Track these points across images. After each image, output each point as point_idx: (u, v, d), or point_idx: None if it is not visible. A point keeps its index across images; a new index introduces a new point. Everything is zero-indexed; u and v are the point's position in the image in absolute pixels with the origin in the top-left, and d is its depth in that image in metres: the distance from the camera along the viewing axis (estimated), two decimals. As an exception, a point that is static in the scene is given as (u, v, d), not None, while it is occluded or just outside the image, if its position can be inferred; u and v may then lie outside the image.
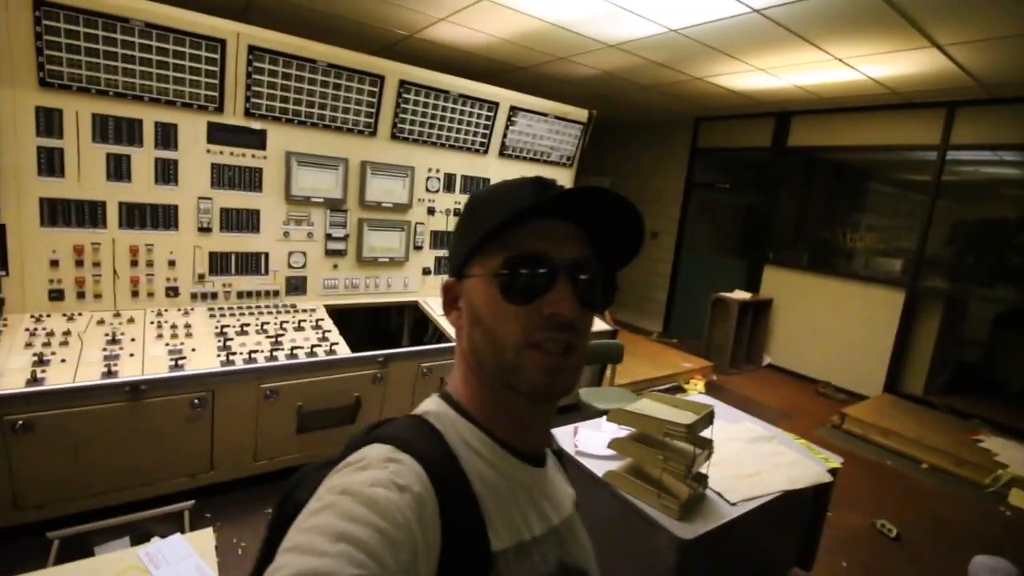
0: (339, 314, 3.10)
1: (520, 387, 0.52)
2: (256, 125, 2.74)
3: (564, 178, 4.15)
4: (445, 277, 0.61)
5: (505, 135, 3.67)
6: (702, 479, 1.70)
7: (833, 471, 2.02)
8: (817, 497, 2.10)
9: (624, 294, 7.14)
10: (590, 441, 1.95)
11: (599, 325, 3.73)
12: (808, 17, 2.95)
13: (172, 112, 2.50)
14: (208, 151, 2.63)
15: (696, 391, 4.45)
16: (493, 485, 0.52)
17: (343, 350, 2.68)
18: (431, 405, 0.57)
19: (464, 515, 0.47)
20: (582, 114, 3.98)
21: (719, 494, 1.71)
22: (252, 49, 2.56)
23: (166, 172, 2.54)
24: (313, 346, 2.61)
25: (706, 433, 1.72)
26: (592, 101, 5.56)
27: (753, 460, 1.97)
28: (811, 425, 4.08)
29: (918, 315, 4.63)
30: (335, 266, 3.17)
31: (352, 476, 0.44)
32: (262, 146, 2.79)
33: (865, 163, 5.33)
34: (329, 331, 2.82)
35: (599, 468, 1.77)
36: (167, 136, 2.51)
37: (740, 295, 5.19)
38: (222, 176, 2.70)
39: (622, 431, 1.87)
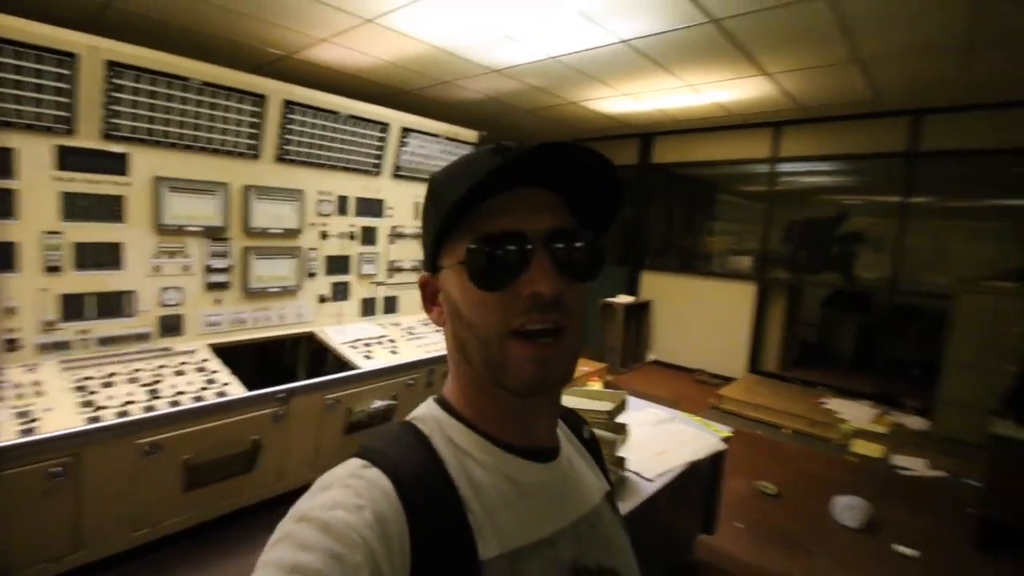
0: (225, 353, 2.84)
1: (509, 384, 0.47)
2: (116, 148, 2.45)
3: (457, 197, 4.22)
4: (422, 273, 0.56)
5: (398, 156, 3.65)
6: (621, 462, 1.84)
7: (726, 439, 2.30)
8: (714, 467, 2.35)
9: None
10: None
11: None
12: (666, 49, 3.36)
13: (8, 135, 2.14)
14: (57, 178, 2.29)
15: (596, 391, 4.72)
16: (485, 488, 0.48)
17: (236, 390, 2.45)
18: (421, 409, 0.55)
19: (444, 525, 0.44)
20: (472, 135, 4.10)
21: (637, 473, 1.86)
22: (111, 65, 2.30)
23: (1, 204, 2.17)
24: (200, 389, 2.37)
25: (620, 419, 1.86)
26: (478, 124, 5.74)
27: (661, 439, 2.17)
28: (695, 409, 4.51)
29: (767, 303, 5.39)
30: (218, 300, 2.90)
31: (313, 500, 0.43)
32: (123, 171, 2.49)
33: (716, 176, 6.12)
34: (217, 372, 2.57)
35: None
36: (1, 162, 2.14)
37: (624, 299, 5.63)
38: (74, 206, 2.36)
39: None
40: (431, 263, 0.53)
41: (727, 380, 5.21)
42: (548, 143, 0.45)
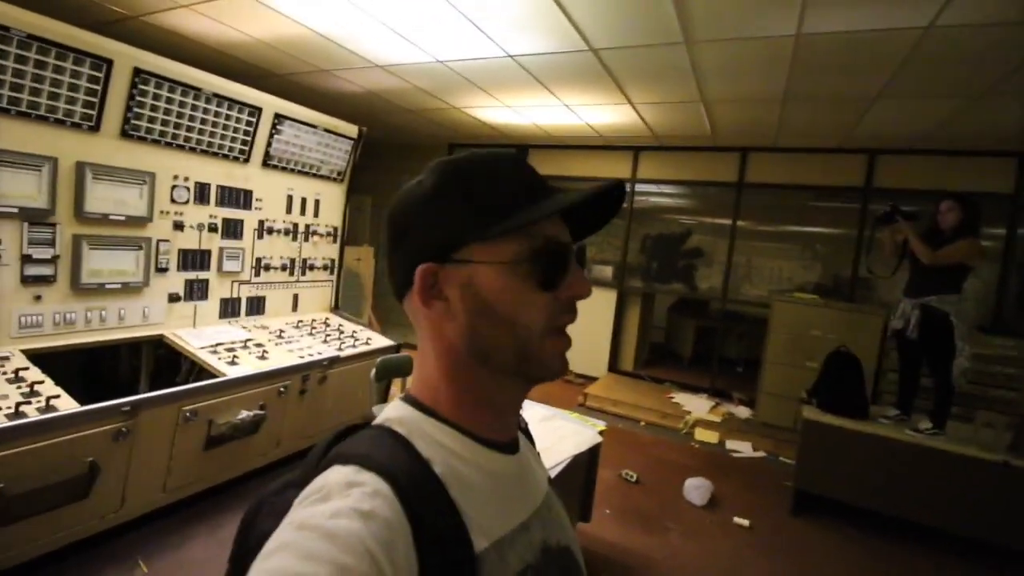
0: (47, 360, 2.37)
1: (538, 374, 0.52)
2: None
3: (336, 194, 4.01)
4: (426, 264, 0.52)
5: (270, 144, 3.36)
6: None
7: (601, 433, 2.51)
8: (590, 459, 2.55)
9: (390, 311, 7.18)
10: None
11: (383, 340, 3.72)
12: (550, 69, 3.57)
13: None
14: None
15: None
16: (471, 484, 0.49)
17: (67, 404, 2.07)
18: (393, 412, 0.54)
19: (441, 525, 0.45)
20: (352, 129, 3.93)
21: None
22: None
23: None
24: (19, 404, 1.95)
25: None
26: (355, 118, 5.50)
27: (546, 436, 2.29)
28: (566, 406, 4.82)
29: (625, 309, 5.96)
30: (37, 297, 2.41)
31: (312, 509, 0.41)
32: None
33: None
34: (40, 382, 2.14)
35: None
36: None
37: (501, 303, 5.80)
38: None
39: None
40: (440, 253, 0.50)
41: (591, 379, 5.64)
42: (616, 183, 0.52)
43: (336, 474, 0.44)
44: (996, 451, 2.83)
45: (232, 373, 2.66)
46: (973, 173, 4.46)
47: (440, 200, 0.52)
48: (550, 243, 0.51)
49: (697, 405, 4.91)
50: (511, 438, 0.57)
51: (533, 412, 2.56)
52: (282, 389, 2.92)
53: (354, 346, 3.48)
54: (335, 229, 4.03)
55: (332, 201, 3.98)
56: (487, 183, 0.52)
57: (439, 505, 0.46)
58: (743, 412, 4.88)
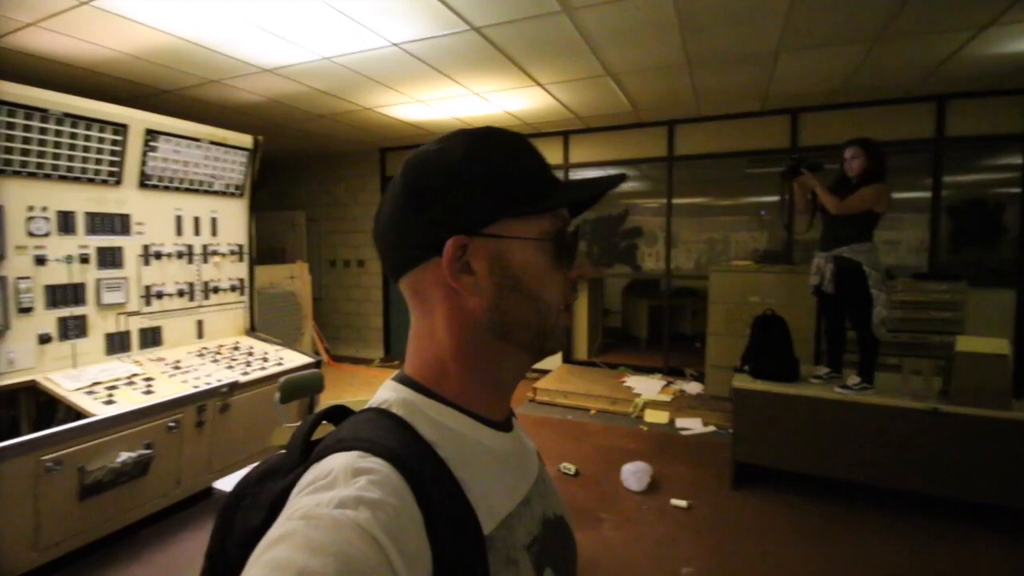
0: None
1: (550, 347, 0.53)
2: None
3: (236, 210, 3.79)
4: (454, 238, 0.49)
5: (144, 163, 3.14)
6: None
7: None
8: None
9: (340, 327, 6.95)
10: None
11: (300, 359, 3.51)
12: (439, 55, 3.40)
13: None
14: None
15: (416, 403, 4.61)
16: (477, 465, 0.49)
17: None
18: (389, 393, 0.51)
19: (451, 509, 0.43)
20: (245, 140, 3.71)
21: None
22: None
23: None
24: None
25: None
26: (269, 129, 5.30)
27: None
28: (515, 404, 4.67)
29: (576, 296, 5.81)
30: None
31: (316, 497, 0.39)
32: None
33: None
34: None
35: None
36: None
37: (443, 306, 5.62)
38: None
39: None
40: (470, 226, 0.49)
41: (544, 372, 5.49)
42: (621, 176, 0.55)
43: (340, 459, 0.42)
44: (926, 399, 2.73)
45: (104, 413, 2.44)
46: (894, 122, 4.42)
47: (473, 170, 0.50)
48: (564, 224, 0.53)
49: (649, 386, 4.79)
50: (508, 416, 0.57)
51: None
52: (172, 424, 2.71)
53: (264, 368, 3.28)
54: (240, 247, 3.81)
55: (232, 218, 3.75)
56: (515, 159, 0.52)
57: (447, 489, 0.44)
58: (694, 388, 4.77)
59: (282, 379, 2.84)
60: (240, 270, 3.83)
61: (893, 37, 3.15)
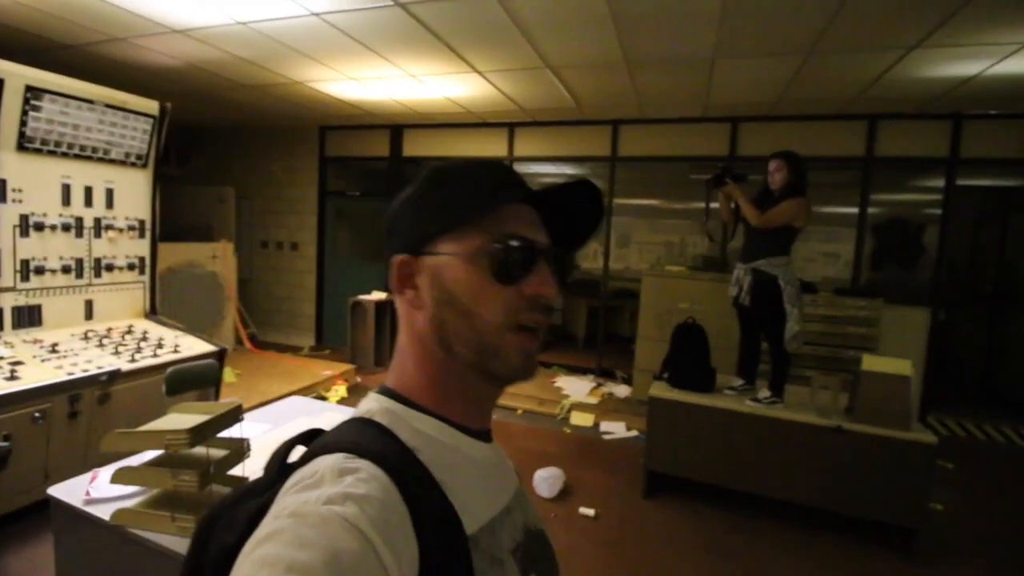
0: None
1: (499, 370, 0.51)
2: None
3: (138, 181, 3.47)
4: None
5: (24, 123, 2.80)
6: (239, 482, 1.58)
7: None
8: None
9: (271, 312, 6.62)
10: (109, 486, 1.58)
11: (201, 347, 3.26)
12: (364, 28, 3.19)
13: None
14: None
15: (338, 396, 4.41)
16: (457, 471, 0.50)
17: None
18: (371, 403, 0.54)
19: (434, 509, 0.44)
20: (149, 105, 3.39)
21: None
22: None
23: None
24: None
25: (236, 431, 1.60)
26: (194, 97, 4.95)
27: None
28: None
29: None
30: None
31: (303, 495, 0.40)
32: None
33: None
34: None
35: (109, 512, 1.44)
36: None
37: (376, 296, 5.41)
38: None
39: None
40: (414, 246, 0.53)
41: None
42: (580, 182, 0.56)
43: (327, 461, 0.43)
44: (832, 415, 2.76)
45: (-58, 402, 2.15)
46: (828, 138, 4.50)
47: (417, 199, 0.55)
48: (510, 237, 0.52)
49: (578, 388, 4.75)
50: (486, 428, 0.58)
51: (337, 417, 2.22)
52: (38, 415, 2.43)
53: (156, 356, 3.01)
54: (141, 222, 3.50)
55: (132, 190, 3.43)
56: (459, 183, 0.54)
57: (430, 492, 0.45)
58: (623, 391, 4.76)
59: (169, 369, 2.60)
60: (140, 247, 3.51)
61: (824, 52, 3.16)
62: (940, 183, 4.37)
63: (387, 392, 0.55)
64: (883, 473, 2.61)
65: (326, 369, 4.72)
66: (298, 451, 0.50)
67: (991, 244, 5.60)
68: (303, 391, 4.23)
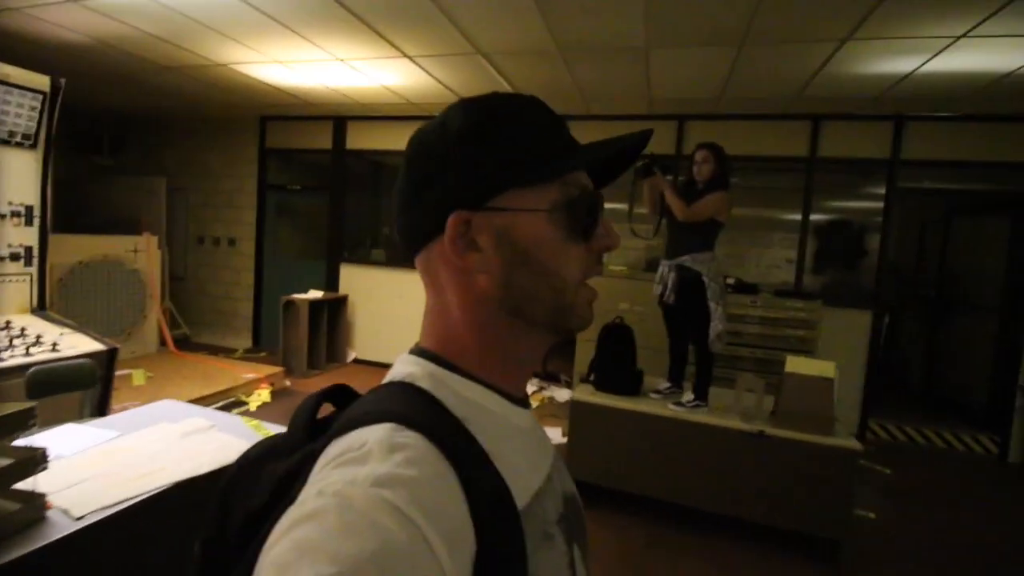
0: None
1: (572, 325, 0.50)
2: None
3: (24, 164, 3.16)
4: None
5: None
6: (32, 499, 1.33)
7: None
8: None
9: (205, 311, 6.28)
10: None
11: (86, 346, 2.97)
12: (279, 6, 2.97)
13: None
14: None
15: (260, 401, 4.14)
16: (505, 440, 0.46)
17: None
18: (411, 366, 0.48)
19: (489, 488, 0.40)
20: (39, 80, 3.10)
21: (65, 511, 1.38)
22: None
23: None
24: None
25: (72, 436, 1.36)
26: (118, 84, 4.67)
27: (164, 456, 1.72)
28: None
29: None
30: None
31: (349, 472, 0.35)
32: None
33: None
34: None
35: None
36: None
37: (312, 295, 5.15)
38: None
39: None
40: (476, 201, 0.46)
41: (419, 373, 5.15)
42: (646, 132, 0.50)
43: (375, 432, 0.39)
44: (756, 419, 2.63)
45: None
46: (774, 138, 4.44)
47: (472, 143, 0.47)
48: (586, 192, 0.49)
49: (519, 392, 4.56)
50: (526, 393, 0.55)
51: (188, 424, 1.98)
52: None
53: (28, 355, 2.71)
54: (28, 208, 3.19)
55: (17, 173, 3.13)
56: (519, 126, 0.48)
57: (482, 464, 0.42)
58: (564, 395, 4.60)
59: (31, 369, 2.33)
60: (27, 236, 3.20)
61: (756, 43, 3.06)
62: (882, 186, 4.33)
63: (427, 355, 0.49)
64: (806, 481, 2.48)
65: (249, 372, 4.43)
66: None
67: (934, 247, 5.63)
68: (218, 396, 3.95)
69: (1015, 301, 4.20)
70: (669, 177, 2.79)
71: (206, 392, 3.90)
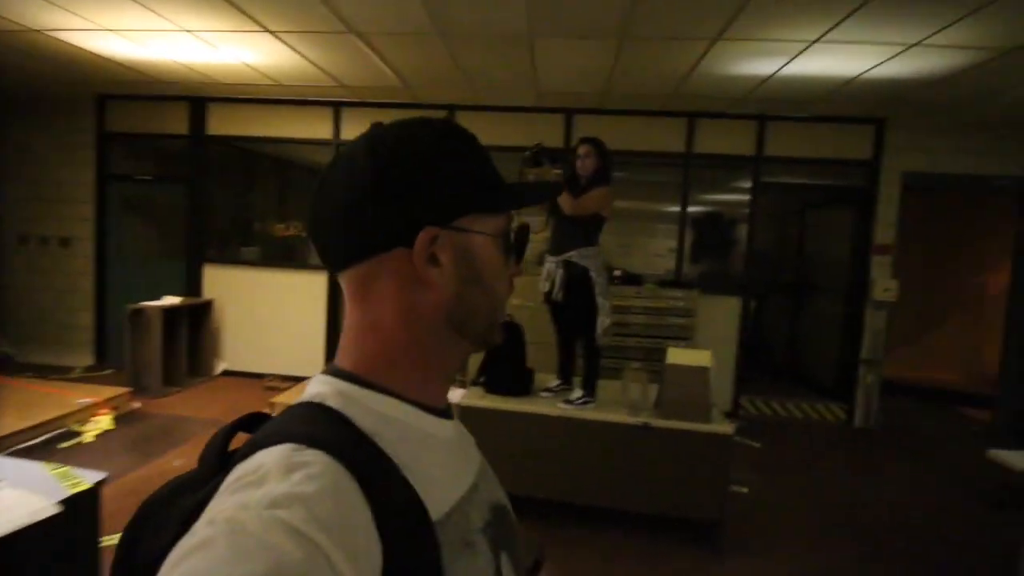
0: None
1: (495, 339, 0.53)
2: None
3: None
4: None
5: None
6: None
7: (87, 493, 1.61)
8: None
9: (34, 324, 5.29)
10: None
11: None
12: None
13: None
14: None
15: (98, 430, 3.51)
16: (421, 452, 0.46)
17: None
18: (321, 386, 0.47)
19: (397, 500, 0.40)
20: None
21: None
22: None
23: None
24: None
25: None
26: None
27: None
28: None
29: (340, 295, 5.13)
30: None
31: (244, 496, 0.34)
32: None
33: (283, 154, 5.61)
34: None
35: None
36: None
37: (167, 301, 4.50)
38: None
39: None
40: (443, 217, 0.47)
41: (301, 381, 4.72)
42: (557, 185, 0.70)
43: (272, 453, 0.38)
44: (642, 411, 2.66)
45: None
46: (655, 134, 4.60)
47: (450, 159, 0.49)
48: (523, 224, 0.57)
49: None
50: (447, 404, 0.55)
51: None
52: None
53: None
54: None
55: None
56: (480, 156, 0.51)
57: (391, 479, 0.41)
58: (456, 395, 4.44)
59: None
60: None
61: (636, 37, 3.09)
62: (749, 181, 4.67)
63: (340, 373, 0.48)
64: (686, 468, 2.56)
65: (87, 396, 3.75)
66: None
67: (792, 237, 6.25)
68: (40, 428, 3.28)
69: (856, 284, 4.74)
70: (557, 169, 2.71)
71: (23, 425, 3.22)
